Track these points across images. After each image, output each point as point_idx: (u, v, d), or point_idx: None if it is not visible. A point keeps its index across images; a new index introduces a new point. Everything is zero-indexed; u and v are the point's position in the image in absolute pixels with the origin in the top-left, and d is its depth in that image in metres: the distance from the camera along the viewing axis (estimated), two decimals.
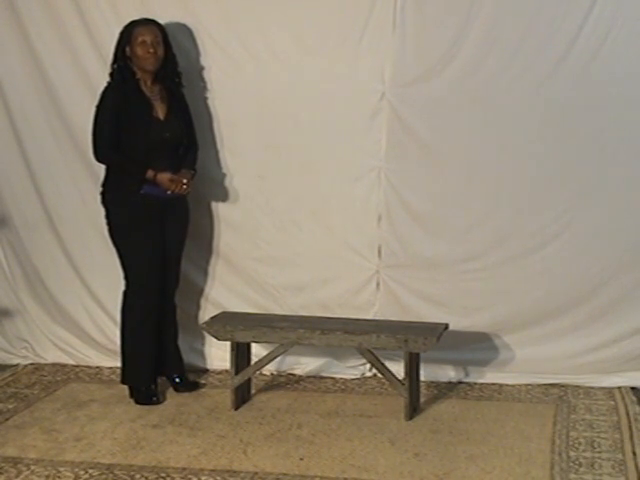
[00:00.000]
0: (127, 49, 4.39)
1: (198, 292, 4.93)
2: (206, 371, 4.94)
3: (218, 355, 4.90)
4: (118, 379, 4.64)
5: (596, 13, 4.35)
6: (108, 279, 4.92)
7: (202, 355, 4.97)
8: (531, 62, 4.44)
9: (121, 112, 4.33)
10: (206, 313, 4.91)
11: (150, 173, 4.32)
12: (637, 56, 4.38)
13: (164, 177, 4.34)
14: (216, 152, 4.77)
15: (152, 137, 4.37)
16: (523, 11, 4.42)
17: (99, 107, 4.37)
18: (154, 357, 4.55)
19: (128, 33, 4.39)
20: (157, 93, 4.46)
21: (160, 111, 4.44)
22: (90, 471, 3.68)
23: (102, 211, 4.50)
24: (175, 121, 4.47)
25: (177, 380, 4.64)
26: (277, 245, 4.83)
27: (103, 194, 4.48)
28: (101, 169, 4.69)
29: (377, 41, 4.54)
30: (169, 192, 4.36)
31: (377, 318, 4.73)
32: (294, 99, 4.67)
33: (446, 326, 4.39)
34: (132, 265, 4.46)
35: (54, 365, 5.09)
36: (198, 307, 4.94)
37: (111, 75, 4.43)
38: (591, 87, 4.43)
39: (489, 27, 4.45)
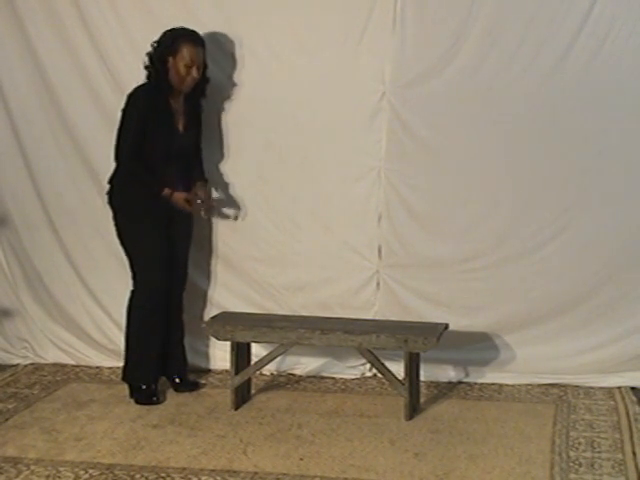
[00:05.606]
0: (170, 59, 4.36)
1: (198, 292, 4.92)
2: (206, 371, 4.93)
3: (218, 355, 4.90)
4: (118, 379, 4.64)
5: (596, 13, 4.36)
6: (108, 279, 4.92)
7: (202, 355, 4.97)
8: (531, 62, 4.44)
9: (147, 120, 4.32)
10: (206, 313, 4.91)
11: (167, 191, 4.34)
12: (637, 56, 4.38)
13: (180, 197, 4.37)
14: (216, 152, 4.77)
15: (171, 148, 4.41)
16: (523, 11, 4.42)
17: (127, 111, 4.35)
18: (158, 357, 4.55)
19: (176, 45, 4.35)
20: (181, 105, 4.47)
21: (180, 123, 4.47)
22: (90, 471, 3.67)
23: (105, 212, 4.50)
24: (191, 133, 4.53)
25: (177, 380, 4.64)
26: (277, 245, 4.83)
27: (110, 194, 4.48)
28: (101, 169, 4.69)
29: (377, 41, 4.54)
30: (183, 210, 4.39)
31: (377, 318, 4.73)
32: (294, 99, 4.67)
33: (446, 326, 4.39)
34: (140, 264, 4.46)
35: (54, 365, 5.09)
36: (198, 307, 4.93)
37: (148, 77, 4.40)
38: (591, 87, 4.43)
39: (489, 27, 4.45)
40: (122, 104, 4.62)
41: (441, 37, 4.50)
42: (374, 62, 4.56)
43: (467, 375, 4.78)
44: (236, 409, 4.37)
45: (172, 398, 4.55)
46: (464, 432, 4.07)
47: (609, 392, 4.56)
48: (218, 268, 4.91)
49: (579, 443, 3.93)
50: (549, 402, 4.47)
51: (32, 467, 3.71)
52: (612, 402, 4.44)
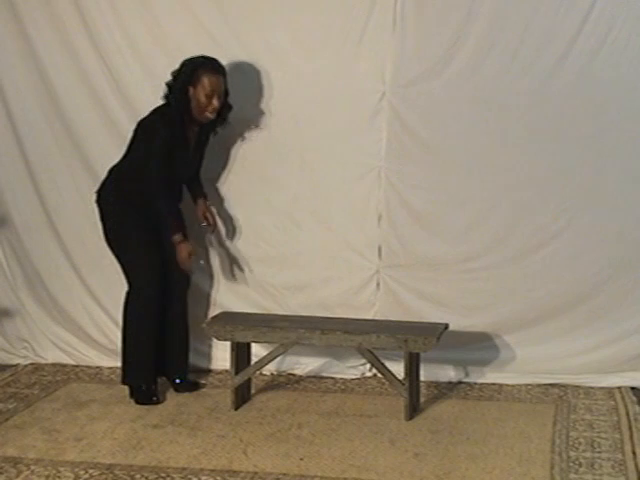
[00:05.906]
0: (190, 89, 4.31)
1: (198, 292, 4.91)
2: (207, 371, 4.92)
3: (219, 355, 4.90)
4: (118, 379, 4.63)
5: (596, 13, 4.36)
6: (108, 279, 4.92)
7: (203, 355, 4.96)
8: (531, 62, 4.44)
9: (169, 150, 4.30)
10: (206, 313, 4.91)
11: (177, 238, 4.32)
12: (637, 56, 4.38)
13: (185, 249, 4.34)
14: (216, 153, 4.76)
15: (182, 173, 4.45)
16: (523, 11, 4.42)
17: (153, 143, 4.26)
18: (155, 357, 4.54)
19: (197, 75, 4.30)
20: (196, 131, 4.47)
21: (192, 148, 4.47)
22: (90, 471, 3.67)
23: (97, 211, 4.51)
24: (197, 157, 4.54)
25: (177, 380, 4.64)
26: (277, 245, 4.83)
27: (100, 193, 4.47)
28: (101, 168, 4.68)
29: (377, 41, 4.54)
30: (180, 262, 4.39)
31: (377, 318, 4.73)
32: (294, 99, 4.67)
33: (446, 326, 4.39)
34: (131, 268, 4.45)
35: (54, 365, 5.09)
36: (198, 307, 4.93)
37: (167, 99, 4.35)
38: (591, 87, 4.43)
39: (489, 27, 4.45)
40: (122, 104, 4.66)
41: (441, 37, 4.50)
42: (374, 62, 4.56)
43: (467, 375, 4.78)
44: (236, 409, 4.37)
45: (172, 398, 4.54)
46: (464, 432, 4.07)
47: (609, 392, 4.56)
48: (218, 268, 4.91)
49: (579, 443, 3.93)
50: (549, 402, 4.47)
51: (32, 467, 3.71)
52: (612, 402, 4.44)
